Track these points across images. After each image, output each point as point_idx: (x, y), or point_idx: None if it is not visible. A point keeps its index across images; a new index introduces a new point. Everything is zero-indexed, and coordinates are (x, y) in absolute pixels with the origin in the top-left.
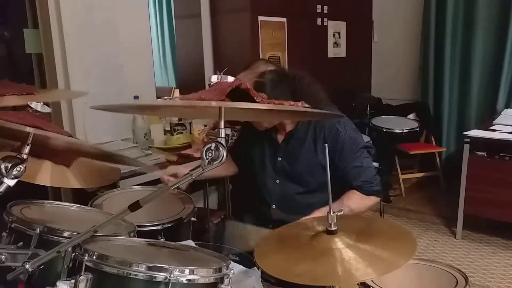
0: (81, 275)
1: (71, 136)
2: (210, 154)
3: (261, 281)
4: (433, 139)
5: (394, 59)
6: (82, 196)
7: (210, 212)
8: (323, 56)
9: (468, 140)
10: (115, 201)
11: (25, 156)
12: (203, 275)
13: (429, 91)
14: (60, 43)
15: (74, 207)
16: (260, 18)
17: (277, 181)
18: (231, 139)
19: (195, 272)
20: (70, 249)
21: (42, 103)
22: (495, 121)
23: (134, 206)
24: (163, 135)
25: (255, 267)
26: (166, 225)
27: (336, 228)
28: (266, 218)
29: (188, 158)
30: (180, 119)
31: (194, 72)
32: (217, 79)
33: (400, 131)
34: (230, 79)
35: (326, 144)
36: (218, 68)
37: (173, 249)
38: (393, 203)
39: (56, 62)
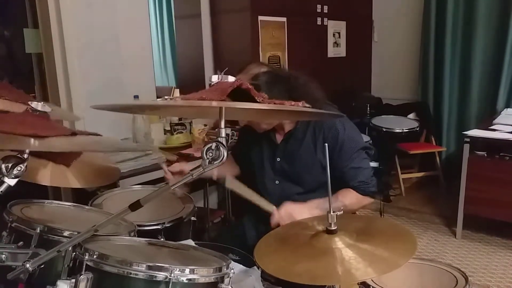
0: (82, 275)
1: (75, 133)
2: (210, 154)
3: (261, 281)
4: (433, 138)
5: (394, 59)
6: (82, 196)
7: (210, 211)
8: (323, 56)
9: (468, 139)
10: (115, 201)
11: (25, 156)
12: (203, 274)
13: (429, 91)
14: (60, 43)
15: (74, 206)
16: (260, 18)
17: (277, 182)
18: (231, 138)
19: (195, 272)
20: (70, 249)
21: (42, 102)
22: (495, 121)
23: (135, 206)
24: (163, 135)
25: (255, 267)
26: (166, 225)
27: (336, 227)
28: (266, 218)
29: (189, 158)
30: (180, 119)
31: (194, 72)
32: (218, 79)
33: (400, 131)
34: (231, 79)
35: (326, 144)
36: (218, 68)
37: (173, 248)
38: (393, 202)
39: (56, 62)
